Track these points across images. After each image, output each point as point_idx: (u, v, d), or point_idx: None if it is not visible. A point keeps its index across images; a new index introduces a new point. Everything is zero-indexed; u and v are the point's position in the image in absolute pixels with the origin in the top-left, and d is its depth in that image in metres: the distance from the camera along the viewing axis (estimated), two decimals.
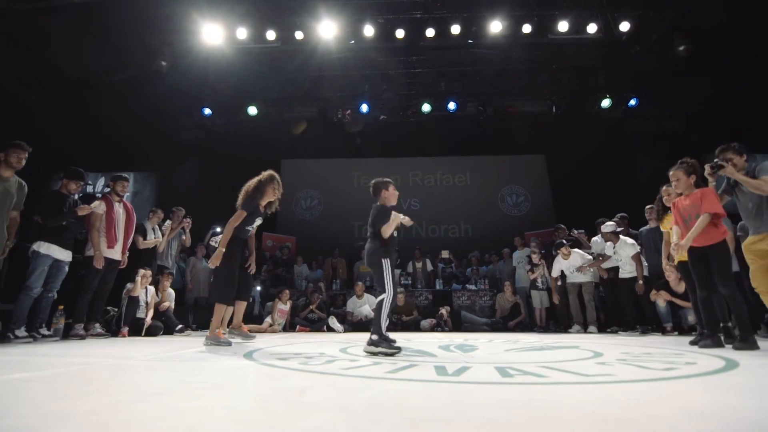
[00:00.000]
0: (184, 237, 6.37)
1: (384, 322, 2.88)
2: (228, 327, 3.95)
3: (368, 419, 1.06)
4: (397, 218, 3.12)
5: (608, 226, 5.77)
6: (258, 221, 3.67)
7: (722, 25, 7.46)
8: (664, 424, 1.03)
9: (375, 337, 2.81)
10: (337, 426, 1.00)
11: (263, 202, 3.66)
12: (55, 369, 2.01)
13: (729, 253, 3.25)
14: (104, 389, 1.47)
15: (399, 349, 2.75)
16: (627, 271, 5.52)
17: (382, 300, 2.98)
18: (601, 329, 5.90)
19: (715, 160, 3.46)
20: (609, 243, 5.72)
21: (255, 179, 3.68)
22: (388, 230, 3.13)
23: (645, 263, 5.52)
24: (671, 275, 4.94)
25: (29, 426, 0.99)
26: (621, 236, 5.65)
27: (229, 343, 3.35)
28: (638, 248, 5.47)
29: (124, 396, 1.35)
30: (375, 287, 3.38)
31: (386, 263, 3.09)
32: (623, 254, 5.53)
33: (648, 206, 5.56)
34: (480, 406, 1.23)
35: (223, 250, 3.40)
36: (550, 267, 6.42)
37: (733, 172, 3.37)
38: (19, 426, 0.99)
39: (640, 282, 5.32)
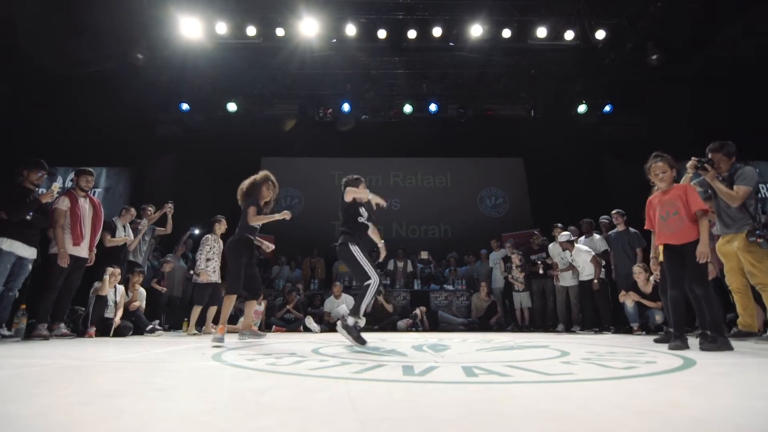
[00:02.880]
0: (162, 228, 6.22)
1: (364, 306, 3.02)
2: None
3: (319, 420, 1.05)
4: (371, 195, 3.45)
5: (563, 236, 6.04)
6: None
7: (694, 34, 7.76)
8: (612, 421, 1.05)
9: (351, 319, 2.95)
10: (286, 427, 0.98)
11: (260, 202, 3.89)
12: (7, 370, 1.93)
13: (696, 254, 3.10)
14: (53, 391, 1.42)
15: (364, 342, 2.93)
16: (586, 274, 5.82)
17: (368, 285, 3.08)
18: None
19: (704, 159, 3.49)
20: (566, 251, 5.98)
21: (249, 179, 3.89)
22: (355, 194, 3.47)
23: (611, 264, 5.78)
24: (640, 276, 5.12)
25: None
26: (576, 244, 5.93)
27: (221, 340, 3.36)
28: (593, 252, 5.82)
29: (72, 398, 1.30)
30: (353, 287, 3.55)
31: (355, 249, 3.17)
32: (580, 260, 5.82)
33: (614, 211, 5.76)
34: (437, 405, 1.23)
35: (276, 216, 3.86)
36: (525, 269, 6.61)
37: (712, 178, 3.47)
38: None
39: (596, 281, 5.62)
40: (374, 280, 3.08)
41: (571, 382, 1.65)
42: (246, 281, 3.88)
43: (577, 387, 1.56)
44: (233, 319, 6.63)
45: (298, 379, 1.76)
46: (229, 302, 3.72)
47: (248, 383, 1.65)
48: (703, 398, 1.37)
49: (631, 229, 5.56)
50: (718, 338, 2.89)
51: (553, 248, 6.37)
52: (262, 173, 3.98)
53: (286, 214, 3.88)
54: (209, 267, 5.51)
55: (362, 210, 3.62)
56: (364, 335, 3.45)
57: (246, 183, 3.88)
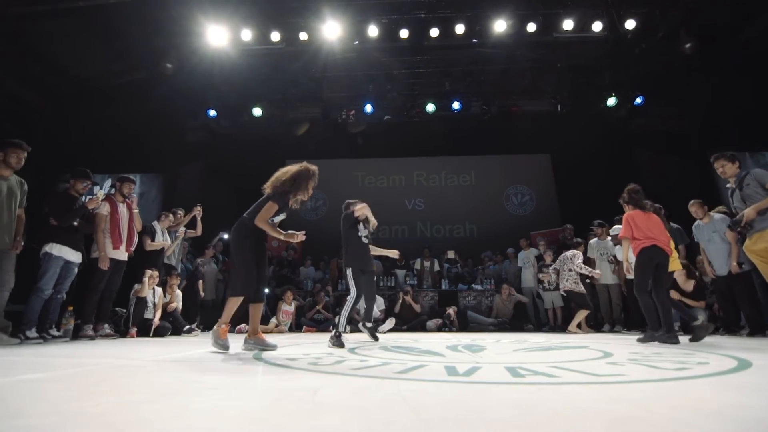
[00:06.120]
0: (192, 230, 6.39)
1: (343, 320, 3.48)
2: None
3: (381, 419, 1.06)
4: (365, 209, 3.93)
5: (616, 229, 5.81)
6: (281, 216, 3.20)
7: (729, 22, 7.41)
8: (680, 422, 1.02)
9: (335, 332, 3.39)
10: (351, 426, 0.99)
11: (296, 198, 3.19)
12: (66, 370, 2.03)
13: (636, 267, 3.88)
14: (115, 390, 1.48)
15: (343, 346, 3.29)
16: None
17: (348, 298, 3.60)
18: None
19: (740, 228, 3.78)
20: (618, 246, 5.77)
21: (293, 169, 3.18)
22: (360, 211, 3.89)
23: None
24: (680, 275, 4.93)
25: (46, 425, 1.00)
26: None
27: (227, 348, 2.89)
28: None
29: (135, 396, 1.35)
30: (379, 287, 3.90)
31: (348, 272, 3.71)
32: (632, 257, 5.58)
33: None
34: (493, 405, 1.22)
35: (281, 236, 3.13)
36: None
37: (752, 212, 3.63)
38: (36, 425, 0.99)
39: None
40: (352, 295, 3.61)
41: (624, 383, 1.61)
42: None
43: (631, 388, 1.52)
44: (264, 320, 6.75)
45: (345, 378, 1.78)
46: (234, 304, 2.98)
47: (297, 382, 1.68)
48: None
49: (673, 225, 5.34)
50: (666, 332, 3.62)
51: (595, 244, 6.20)
52: (308, 166, 3.25)
53: (297, 236, 3.20)
54: None
55: (361, 227, 4.03)
56: (394, 335, 3.69)
57: (288, 174, 3.15)
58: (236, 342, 3.22)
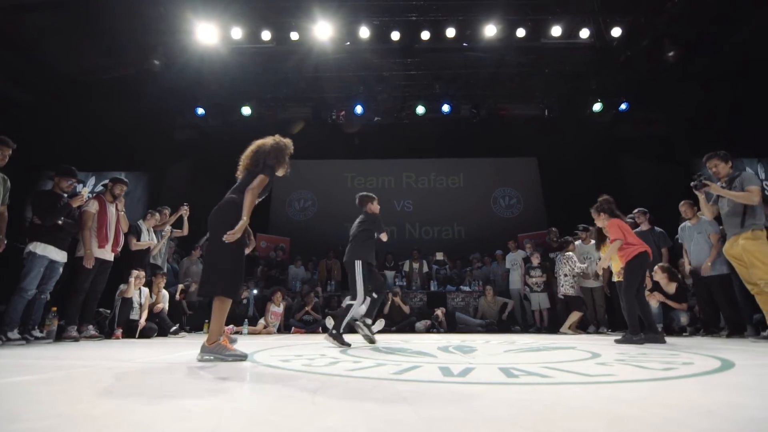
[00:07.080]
0: (179, 230, 6.28)
1: (345, 323, 3.33)
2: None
3: (384, 419, 1.07)
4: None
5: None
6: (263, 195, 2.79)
7: (712, 31, 7.64)
8: (675, 422, 1.05)
9: (335, 331, 3.27)
10: (354, 426, 1.00)
11: (278, 173, 2.90)
12: (56, 372, 1.98)
13: (630, 270, 3.90)
14: (110, 392, 1.46)
15: (349, 345, 3.26)
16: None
17: (350, 305, 3.36)
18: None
19: (696, 181, 3.99)
20: (598, 251, 5.90)
21: (269, 142, 2.88)
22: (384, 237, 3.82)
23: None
24: (662, 277, 5.05)
25: (45, 429, 0.98)
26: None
27: (245, 356, 2.46)
28: None
29: (131, 399, 1.34)
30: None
31: (358, 266, 3.44)
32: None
33: (636, 210, 5.70)
34: (492, 405, 1.25)
35: (247, 220, 2.54)
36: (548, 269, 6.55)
37: (717, 189, 3.86)
38: (35, 429, 0.98)
39: None
40: (357, 301, 3.36)
41: (615, 383, 1.66)
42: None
43: (623, 388, 1.57)
44: (253, 321, 6.68)
45: (342, 379, 1.78)
46: (225, 309, 2.48)
47: (295, 384, 1.68)
48: (757, 399, 1.37)
49: (657, 228, 5.48)
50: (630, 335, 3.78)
51: (580, 248, 6.31)
52: (285, 139, 2.97)
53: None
54: None
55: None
56: (384, 336, 3.65)
57: (267, 145, 2.87)
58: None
